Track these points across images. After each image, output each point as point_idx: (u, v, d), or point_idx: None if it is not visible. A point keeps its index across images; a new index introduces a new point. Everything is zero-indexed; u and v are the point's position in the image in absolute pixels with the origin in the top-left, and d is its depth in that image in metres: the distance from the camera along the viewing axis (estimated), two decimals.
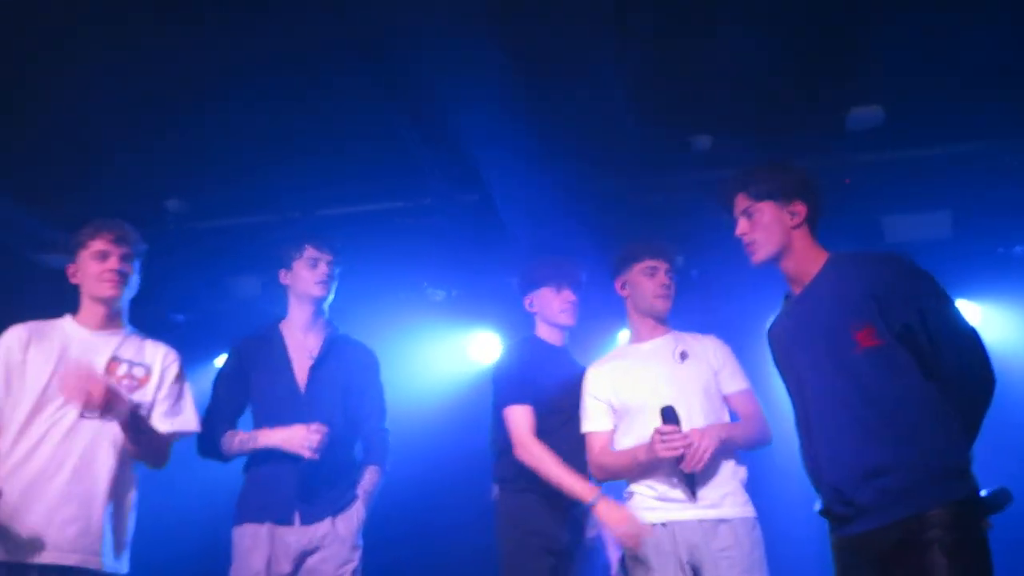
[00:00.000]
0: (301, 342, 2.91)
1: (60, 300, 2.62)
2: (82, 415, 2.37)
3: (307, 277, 2.88)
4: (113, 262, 2.52)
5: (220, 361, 3.08)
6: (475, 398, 3.98)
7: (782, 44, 3.08)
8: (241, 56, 3.08)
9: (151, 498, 2.61)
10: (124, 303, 2.61)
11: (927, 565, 1.81)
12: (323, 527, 2.71)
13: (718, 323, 3.04)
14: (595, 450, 2.64)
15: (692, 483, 2.43)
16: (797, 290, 2.20)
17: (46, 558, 2.30)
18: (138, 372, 2.56)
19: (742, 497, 2.52)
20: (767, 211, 2.17)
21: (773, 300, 2.33)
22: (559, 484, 2.58)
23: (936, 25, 2.99)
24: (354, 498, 2.79)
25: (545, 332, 2.91)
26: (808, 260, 2.16)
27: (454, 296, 4.49)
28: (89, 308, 2.57)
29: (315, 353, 2.89)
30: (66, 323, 2.56)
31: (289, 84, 3.28)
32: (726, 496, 2.49)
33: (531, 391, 2.71)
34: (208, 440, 2.77)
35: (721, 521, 2.46)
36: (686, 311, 2.89)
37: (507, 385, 2.74)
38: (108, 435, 2.45)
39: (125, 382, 2.52)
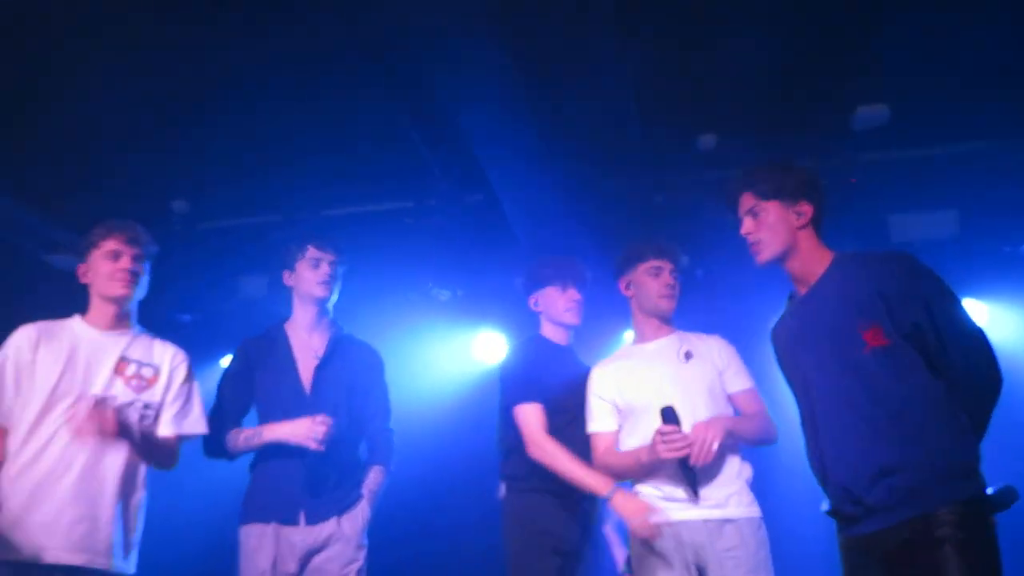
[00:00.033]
0: (306, 342, 2.92)
1: (67, 300, 2.63)
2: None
3: (310, 278, 2.89)
4: (125, 262, 2.54)
5: (226, 361, 3.09)
6: (480, 398, 3.99)
7: (787, 43, 3.08)
8: (246, 58, 3.09)
9: (158, 498, 2.61)
10: (134, 303, 2.62)
11: (937, 564, 1.81)
12: (328, 527, 2.72)
13: (723, 323, 3.03)
14: (599, 451, 2.64)
15: (694, 483, 2.42)
16: (802, 290, 2.19)
17: (54, 557, 2.30)
18: (147, 372, 2.57)
19: (747, 497, 2.51)
20: (773, 210, 2.17)
21: (778, 300, 2.33)
22: (574, 479, 2.57)
23: (941, 24, 2.98)
24: (359, 497, 2.80)
25: (550, 331, 2.91)
26: (813, 260, 2.16)
27: (459, 296, 4.49)
28: (99, 308, 2.58)
29: (320, 353, 2.90)
30: (75, 323, 2.57)
31: (294, 85, 3.29)
32: (731, 496, 2.48)
33: (539, 390, 2.71)
34: (214, 440, 2.77)
35: (726, 521, 2.45)
36: (691, 311, 2.89)
37: (516, 384, 2.74)
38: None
39: (134, 382, 2.53)
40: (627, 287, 2.76)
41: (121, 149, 3.53)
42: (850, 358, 2.00)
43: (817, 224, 2.19)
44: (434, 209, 4.07)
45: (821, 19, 3.00)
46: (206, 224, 4.24)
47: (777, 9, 2.95)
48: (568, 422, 2.70)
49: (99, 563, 2.36)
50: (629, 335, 2.89)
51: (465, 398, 4.41)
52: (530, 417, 2.66)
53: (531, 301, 2.93)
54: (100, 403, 2.35)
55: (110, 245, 2.54)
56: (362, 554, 2.76)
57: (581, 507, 2.71)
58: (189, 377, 2.65)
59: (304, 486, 2.72)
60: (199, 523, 3.87)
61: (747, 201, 2.21)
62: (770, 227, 2.17)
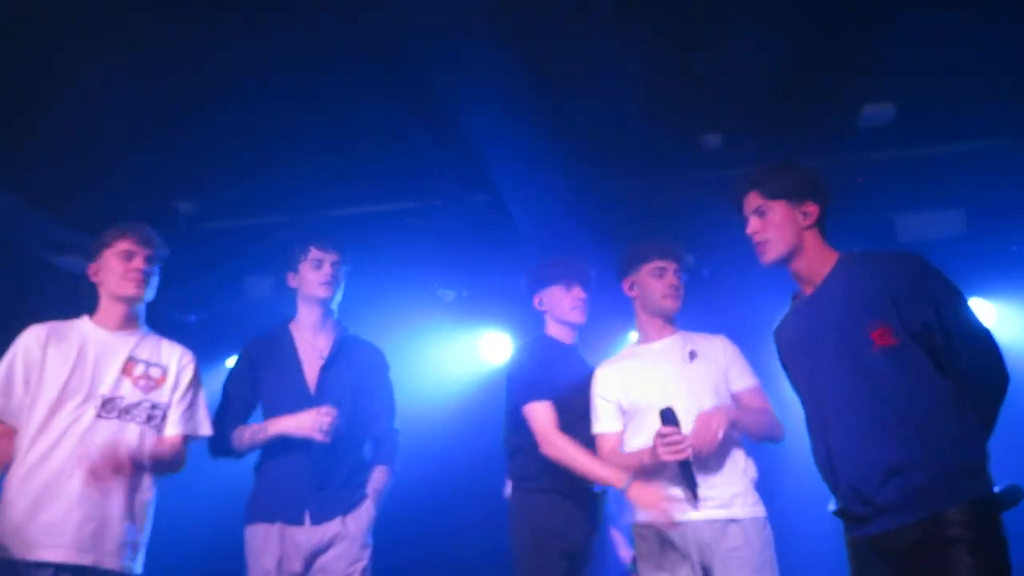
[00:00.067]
0: (311, 343, 2.92)
1: (74, 301, 2.65)
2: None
3: (312, 279, 2.90)
4: (138, 262, 2.56)
5: (231, 362, 3.09)
6: (485, 398, 3.99)
7: (792, 42, 3.07)
8: (250, 58, 3.10)
9: (165, 498, 2.62)
10: (143, 305, 2.64)
11: (948, 565, 1.81)
12: (333, 526, 2.72)
13: (728, 323, 3.03)
14: (604, 452, 2.63)
15: (693, 485, 2.40)
16: (807, 290, 2.19)
17: (62, 556, 2.31)
18: (154, 372, 2.58)
19: (752, 497, 2.51)
20: (779, 210, 2.17)
21: (782, 300, 2.32)
22: (588, 474, 2.56)
23: (947, 22, 2.97)
24: (364, 497, 2.80)
25: (555, 330, 2.90)
26: (819, 260, 2.16)
27: (464, 296, 4.50)
28: (108, 308, 2.59)
29: (325, 354, 2.90)
30: (83, 323, 2.59)
31: (298, 86, 3.30)
32: (736, 496, 2.48)
33: (548, 388, 2.70)
34: (219, 441, 2.78)
35: (731, 521, 2.45)
36: (697, 311, 2.88)
37: (524, 383, 2.73)
38: (126, 436, 2.47)
39: (141, 382, 2.54)
40: (631, 287, 2.76)
41: (126, 150, 3.54)
42: (858, 358, 2.00)
43: (822, 225, 2.19)
44: (438, 209, 4.07)
45: (825, 18, 2.99)
46: (211, 224, 4.25)
47: (781, 8, 2.94)
48: (575, 421, 2.70)
49: (107, 563, 2.37)
50: (634, 335, 2.89)
51: (470, 398, 4.41)
52: (541, 415, 2.65)
53: (536, 301, 2.92)
54: (113, 448, 2.37)
55: (123, 245, 2.56)
56: (367, 553, 2.76)
57: (588, 507, 2.70)
58: (196, 378, 2.67)
59: (309, 486, 2.73)
60: (205, 523, 3.87)
61: (753, 200, 2.21)
62: (776, 227, 2.16)
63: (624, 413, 2.64)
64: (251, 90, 3.29)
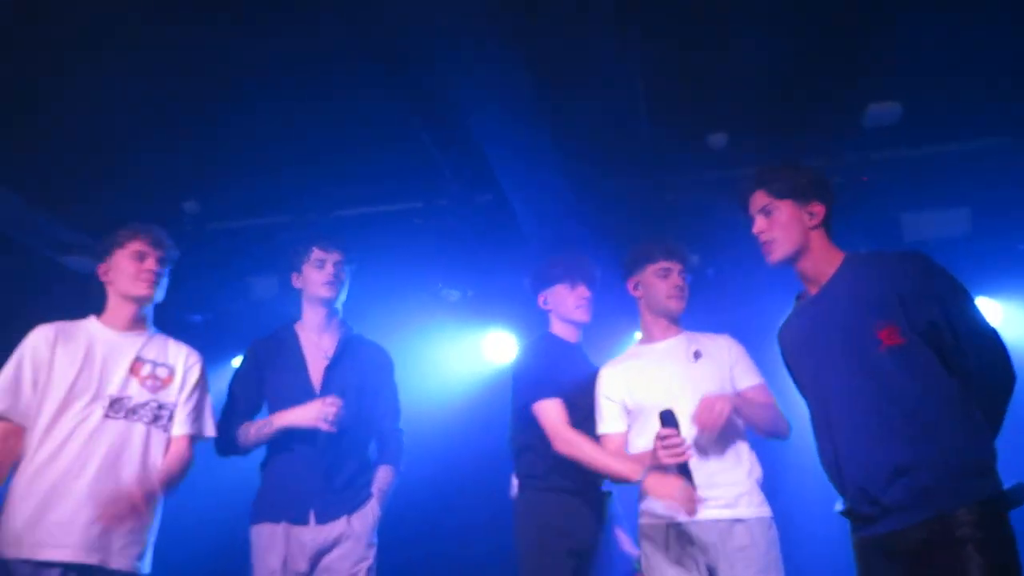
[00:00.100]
0: (316, 343, 2.93)
1: (81, 302, 2.66)
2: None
3: (315, 278, 2.90)
4: (151, 263, 2.58)
5: (237, 362, 3.10)
6: (490, 398, 3.99)
7: (797, 41, 3.06)
8: (256, 58, 3.10)
9: (171, 498, 2.62)
10: (151, 306, 2.65)
11: (958, 565, 1.81)
12: (338, 526, 2.73)
13: (734, 323, 3.02)
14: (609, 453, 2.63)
15: (688, 474, 2.41)
16: (813, 290, 2.19)
17: (69, 556, 2.32)
18: (161, 372, 2.59)
19: (758, 497, 2.51)
20: (786, 210, 2.17)
21: (788, 300, 2.32)
22: (603, 468, 2.54)
23: (951, 21, 2.96)
24: (369, 496, 2.81)
25: (560, 329, 2.90)
26: (825, 260, 2.16)
27: (469, 296, 4.49)
28: (117, 308, 2.60)
29: (330, 354, 2.91)
30: (91, 323, 2.60)
31: (305, 86, 3.30)
32: (742, 496, 2.47)
33: (556, 386, 2.69)
34: (224, 439, 2.79)
35: (737, 521, 2.45)
36: (703, 311, 2.88)
37: (533, 381, 2.72)
38: (133, 436, 2.48)
39: (149, 382, 2.55)
40: (635, 287, 2.76)
41: (130, 150, 3.55)
42: (865, 357, 1.99)
43: (828, 225, 2.19)
44: (444, 209, 4.07)
45: (829, 17, 2.98)
46: (216, 225, 4.26)
47: (785, 8, 2.94)
48: (581, 420, 2.69)
49: (114, 563, 2.38)
50: (638, 335, 2.88)
51: (475, 398, 4.40)
52: (552, 413, 2.64)
53: (540, 300, 2.92)
54: (129, 499, 2.39)
55: (136, 246, 2.58)
56: (372, 552, 2.77)
57: (595, 506, 2.70)
58: (203, 378, 2.68)
59: (314, 486, 2.73)
60: (211, 523, 3.88)
61: (760, 199, 2.21)
62: (783, 226, 2.16)
63: (629, 413, 2.64)
64: (256, 91, 3.30)
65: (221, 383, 2.97)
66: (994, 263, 3.96)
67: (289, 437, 2.79)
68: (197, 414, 2.63)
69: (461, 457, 4.28)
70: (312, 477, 2.74)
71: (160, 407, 2.55)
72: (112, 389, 2.49)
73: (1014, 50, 3.11)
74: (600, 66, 3.13)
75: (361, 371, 2.93)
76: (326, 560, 2.71)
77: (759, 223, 2.21)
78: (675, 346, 2.68)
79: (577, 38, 2.98)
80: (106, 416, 2.46)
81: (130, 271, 2.56)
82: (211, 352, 2.95)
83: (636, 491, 2.62)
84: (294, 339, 2.95)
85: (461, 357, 4.69)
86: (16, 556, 2.30)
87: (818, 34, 3.04)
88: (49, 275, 4.19)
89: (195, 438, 2.62)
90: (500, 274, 4.18)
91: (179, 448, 2.57)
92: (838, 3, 2.95)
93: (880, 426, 1.96)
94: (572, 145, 3.50)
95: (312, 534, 2.70)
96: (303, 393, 2.83)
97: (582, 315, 2.85)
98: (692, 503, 2.30)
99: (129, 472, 2.45)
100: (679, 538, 2.46)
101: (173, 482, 2.53)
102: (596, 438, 2.67)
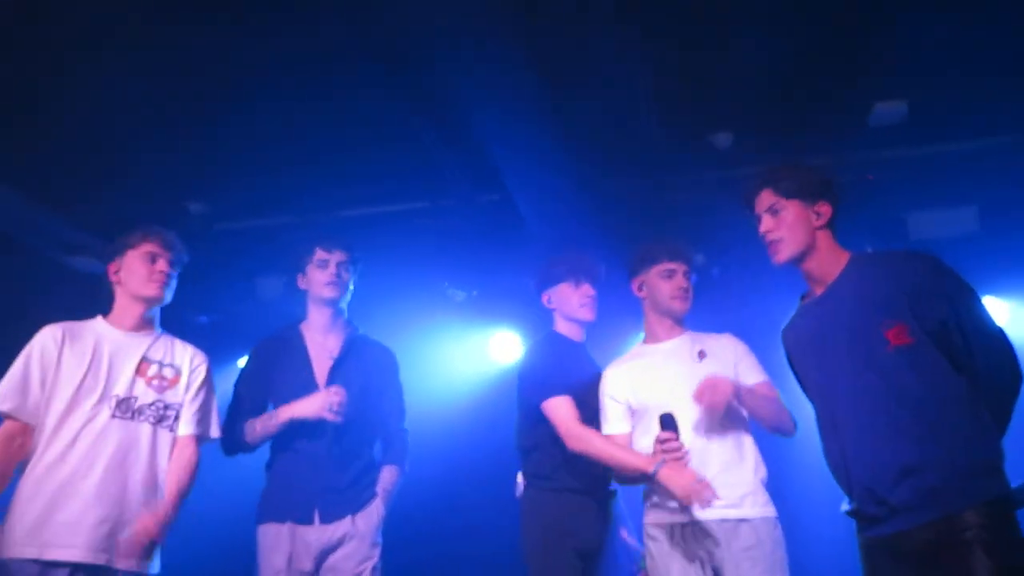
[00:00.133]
0: (321, 343, 2.94)
1: (87, 302, 2.67)
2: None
3: (319, 279, 2.91)
4: (162, 264, 2.60)
5: (243, 362, 3.11)
6: (495, 398, 3.99)
7: (802, 40, 3.06)
8: (262, 59, 3.11)
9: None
10: (158, 308, 2.66)
11: (966, 567, 1.80)
12: (343, 526, 2.73)
13: (739, 322, 3.01)
14: None
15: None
16: (819, 290, 2.18)
17: (77, 556, 2.32)
18: (168, 373, 2.60)
19: (763, 497, 2.50)
20: (793, 209, 2.16)
21: (792, 300, 2.31)
22: (617, 462, 2.53)
23: (957, 19, 2.95)
24: (373, 496, 2.81)
25: (565, 328, 2.89)
26: (830, 261, 2.15)
27: (474, 296, 4.49)
28: (126, 309, 2.61)
29: (335, 354, 2.91)
30: (98, 324, 2.61)
31: (309, 86, 3.31)
32: (747, 495, 2.46)
33: (564, 384, 2.68)
34: (231, 439, 2.80)
35: (742, 521, 2.44)
36: (707, 311, 2.87)
37: (541, 380, 2.71)
38: (140, 436, 2.49)
39: (155, 383, 2.56)
40: (640, 288, 2.75)
41: (136, 151, 3.56)
42: (872, 357, 1.99)
43: (834, 225, 2.19)
44: (449, 209, 4.08)
45: (834, 15, 2.97)
46: (221, 225, 4.27)
47: (790, 6, 2.93)
48: (587, 419, 2.68)
49: (121, 563, 2.38)
50: (643, 336, 2.87)
51: (480, 398, 4.41)
52: (562, 410, 2.63)
53: (544, 298, 2.91)
54: (145, 531, 2.40)
55: (148, 247, 2.60)
56: (377, 552, 2.77)
57: (601, 506, 2.70)
58: (208, 379, 2.68)
59: (318, 486, 2.74)
60: (217, 523, 3.89)
61: (767, 199, 2.20)
62: (789, 226, 2.16)
63: (633, 413, 2.63)
64: (260, 91, 3.30)
65: (227, 384, 2.97)
66: (1001, 262, 3.94)
67: (294, 437, 2.79)
68: (203, 415, 2.64)
69: (466, 457, 4.28)
70: (316, 477, 2.74)
71: (166, 407, 2.56)
72: (119, 389, 2.50)
73: (1020, 48, 3.09)
74: (603, 66, 3.12)
75: (366, 371, 2.93)
76: (331, 560, 2.71)
77: (766, 222, 2.20)
78: (679, 346, 2.68)
79: (580, 38, 2.98)
80: (113, 416, 2.46)
81: (142, 272, 2.58)
82: (217, 353, 2.95)
83: (639, 491, 2.62)
84: (299, 339, 2.95)
85: (466, 357, 4.69)
86: (24, 556, 2.30)
87: (822, 33, 3.03)
88: (54, 276, 4.21)
89: (201, 438, 2.63)
90: (505, 274, 4.18)
91: (186, 452, 2.57)
92: (842, 2, 2.94)
93: (887, 426, 1.96)
94: (576, 145, 3.50)
95: (317, 534, 2.71)
96: (308, 393, 2.83)
97: (586, 313, 2.84)
98: (706, 495, 2.28)
99: (136, 472, 2.46)
100: (684, 538, 2.45)
101: (186, 491, 2.54)
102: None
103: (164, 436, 2.55)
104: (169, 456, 2.55)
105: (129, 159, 3.61)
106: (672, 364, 2.63)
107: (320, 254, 2.91)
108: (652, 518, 2.54)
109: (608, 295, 2.91)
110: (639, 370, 2.66)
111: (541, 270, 2.92)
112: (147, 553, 2.43)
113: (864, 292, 2.06)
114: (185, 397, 2.61)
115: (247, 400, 2.89)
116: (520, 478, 2.80)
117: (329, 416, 2.68)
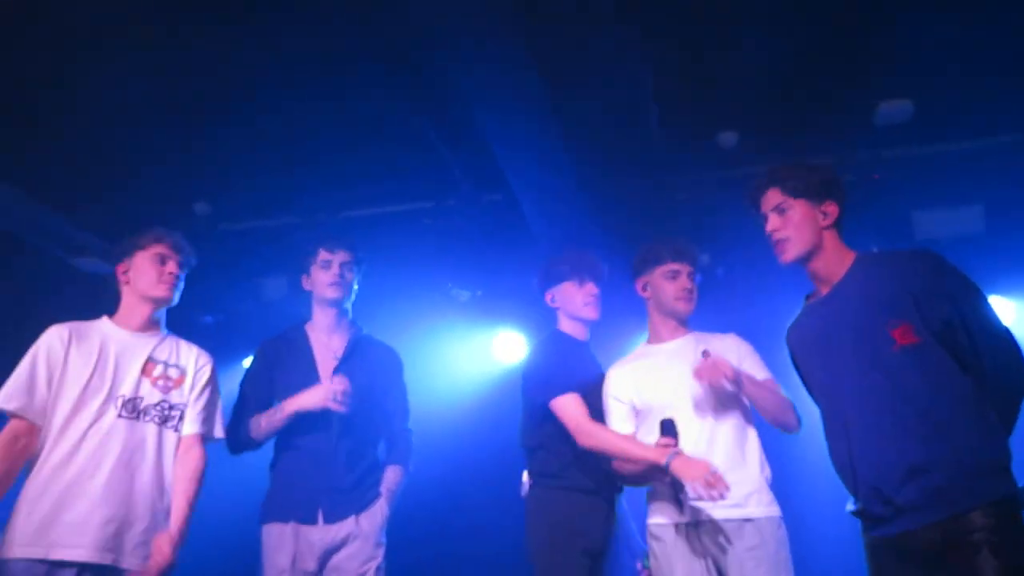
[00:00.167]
0: (326, 343, 2.94)
1: (93, 303, 2.68)
2: None
3: (322, 280, 2.92)
4: (172, 266, 2.62)
5: (248, 362, 3.12)
6: (499, 398, 3.99)
7: (807, 39, 3.05)
8: (267, 60, 3.12)
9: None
10: (164, 310, 2.67)
11: (972, 567, 1.79)
12: (347, 525, 2.73)
13: (744, 322, 3.01)
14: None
15: (684, 496, 2.40)
16: (824, 290, 2.17)
17: (84, 556, 2.33)
18: (173, 373, 2.61)
19: (767, 496, 2.49)
20: (800, 209, 2.16)
21: (796, 301, 2.30)
22: (629, 455, 2.50)
23: (963, 17, 2.94)
24: (377, 496, 2.82)
25: (569, 327, 2.88)
26: (837, 261, 2.15)
27: (478, 296, 4.49)
28: (133, 309, 2.62)
29: (339, 354, 2.92)
30: (104, 324, 2.62)
31: (313, 87, 3.31)
32: (751, 495, 2.46)
33: (572, 382, 2.67)
34: (236, 436, 2.81)
35: (746, 520, 2.43)
36: (712, 310, 2.86)
37: (548, 378, 2.70)
38: (146, 436, 2.50)
39: (160, 383, 2.57)
40: (644, 288, 2.74)
41: (142, 152, 3.57)
42: (878, 357, 1.98)
43: (840, 225, 2.18)
44: (453, 210, 4.08)
45: (838, 14, 2.96)
46: (227, 226, 4.28)
47: (795, 6, 2.92)
48: (592, 418, 2.68)
49: (128, 563, 2.39)
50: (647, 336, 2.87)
51: (485, 398, 4.40)
52: (572, 408, 2.62)
53: (547, 297, 2.90)
54: (161, 555, 2.40)
55: (158, 249, 2.62)
56: (381, 552, 2.77)
57: (608, 506, 2.69)
58: (212, 380, 2.69)
59: (322, 485, 2.74)
60: (221, 522, 3.90)
61: (774, 198, 2.19)
62: (796, 225, 2.15)
63: (637, 414, 2.63)
64: (265, 92, 3.31)
65: (232, 384, 2.98)
66: (1007, 261, 3.92)
67: (298, 436, 2.80)
68: (207, 414, 2.64)
69: (470, 457, 4.28)
70: (320, 477, 2.75)
71: (171, 408, 2.57)
72: (125, 389, 2.51)
73: None
74: (605, 65, 3.12)
75: (370, 371, 2.93)
76: (335, 559, 2.72)
77: (772, 221, 2.19)
78: (683, 346, 2.67)
79: (582, 37, 2.97)
80: (119, 416, 2.47)
81: (152, 273, 2.60)
82: (222, 353, 2.96)
83: (644, 490, 2.61)
84: (304, 339, 2.96)
85: (471, 357, 4.69)
86: (31, 556, 2.31)
87: (826, 32, 3.02)
88: (60, 276, 4.22)
89: (205, 438, 2.63)
90: (509, 274, 4.18)
91: (192, 455, 2.56)
92: (845, 1, 2.93)
93: (894, 425, 1.95)
94: (581, 145, 3.50)
95: (320, 533, 2.71)
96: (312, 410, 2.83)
97: (591, 312, 2.83)
98: (719, 486, 2.26)
99: (142, 472, 2.46)
100: (688, 538, 2.45)
101: (195, 503, 2.54)
102: None
103: (169, 436, 2.55)
104: (175, 456, 2.55)
105: (134, 160, 3.62)
106: (676, 364, 2.62)
107: (323, 255, 2.92)
108: (656, 518, 2.53)
109: (611, 295, 2.90)
110: (643, 370, 2.66)
111: (544, 269, 2.91)
112: (148, 538, 2.43)
113: (870, 292, 2.05)
114: (189, 397, 2.61)
115: (252, 399, 2.89)
116: (525, 477, 2.79)
117: (333, 406, 2.68)
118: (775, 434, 2.62)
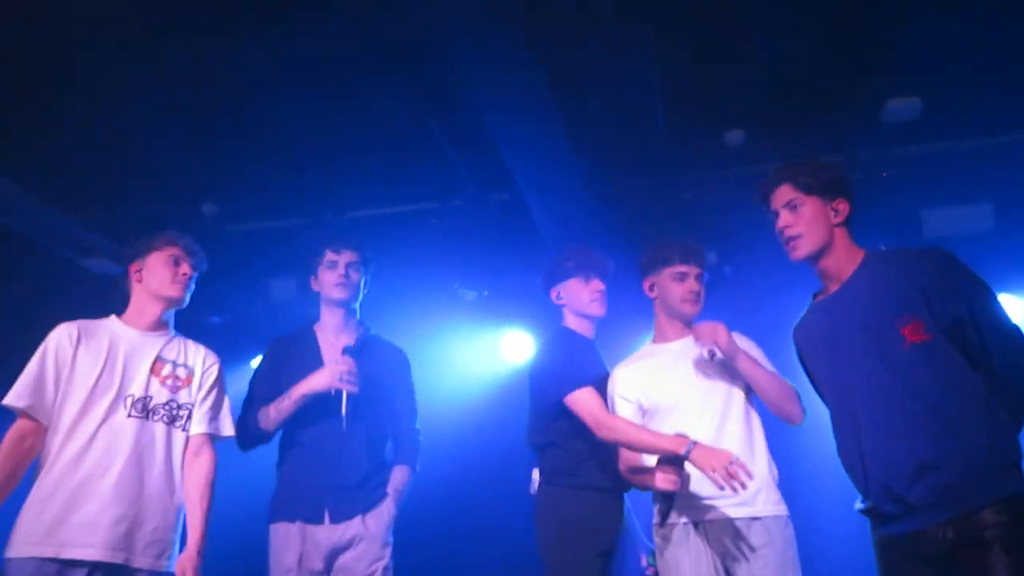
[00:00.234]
0: (333, 343, 2.95)
1: (101, 303, 2.69)
2: None
3: (328, 280, 2.93)
4: (186, 268, 2.65)
5: (256, 362, 3.13)
6: (507, 398, 3.99)
7: (815, 37, 3.04)
8: (273, 61, 3.13)
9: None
10: (173, 311, 2.69)
11: (985, 566, 1.78)
12: (353, 526, 2.74)
13: (751, 320, 3.00)
14: (623, 454, 2.61)
15: (668, 510, 2.40)
16: (833, 288, 2.16)
17: (95, 555, 2.34)
18: (181, 373, 2.62)
19: (775, 495, 2.48)
20: (812, 205, 2.15)
21: (806, 298, 2.29)
22: (649, 446, 2.48)
23: (972, 15, 2.92)
24: (384, 496, 2.82)
25: (575, 323, 2.86)
26: (846, 259, 2.14)
27: (485, 296, 4.49)
28: (143, 308, 2.64)
29: None
30: (112, 323, 2.63)
31: (321, 88, 3.32)
32: (758, 494, 2.45)
33: (584, 376, 2.64)
34: (246, 433, 2.82)
35: (754, 519, 2.42)
36: (719, 309, 2.85)
37: (560, 375, 2.67)
38: (155, 435, 2.51)
39: (169, 382, 2.58)
40: (651, 289, 2.73)
41: (150, 153, 3.58)
42: (888, 354, 1.97)
43: (850, 223, 2.17)
44: (460, 210, 4.08)
45: (846, 12, 2.95)
46: (234, 227, 4.29)
47: (803, 3, 2.91)
48: None
49: (139, 562, 2.40)
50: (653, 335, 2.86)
51: (492, 398, 4.40)
52: (588, 402, 2.59)
53: (553, 294, 2.87)
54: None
55: (172, 250, 2.65)
56: (388, 552, 2.77)
57: (617, 504, 2.68)
58: (219, 380, 2.70)
59: (328, 485, 2.75)
60: (231, 522, 3.91)
61: (786, 194, 2.17)
62: (808, 222, 2.14)
63: (644, 413, 2.62)
64: (272, 93, 3.32)
65: (240, 384, 2.99)
66: (1017, 259, 3.90)
67: (305, 435, 2.81)
68: (214, 413, 2.65)
69: (478, 457, 4.28)
70: (326, 476, 2.75)
71: (179, 407, 2.58)
72: (134, 389, 2.52)
73: None
74: (612, 65, 3.11)
75: (378, 371, 2.93)
76: (342, 559, 2.72)
77: (784, 218, 2.17)
78: (689, 345, 2.66)
79: (588, 37, 2.97)
80: (129, 416, 2.48)
81: (165, 274, 2.63)
82: (229, 354, 2.97)
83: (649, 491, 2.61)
84: (312, 339, 2.97)
85: (478, 357, 4.69)
86: (42, 555, 2.32)
87: (835, 29, 3.01)
88: (70, 277, 4.24)
89: (213, 437, 2.64)
90: (516, 274, 4.18)
91: (202, 458, 2.57)
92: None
93: (904, 423, 1.94)
94: (588, 144, 3.50)
95: (327, 533, 2.71)
96: (320, 393, 2.84)
97: (597, 309, 2.82)
98: (737, 477, 2.23)
99: (152, 472, 2.47)
100: (695, 536, 2.44)
101: (211, 502, 2.56)
102: None
103: (178, 436, 2.56)
104: (184, 457, 2.56)
105: (142, 161, 3.64)
106: (682, 364, 2.62)
107: (329, 255, 2.93)
108: (661, 517, 2.53)
109: (618, 295, 2.89)
110: (649, 370, 2.65)
111: (549, 266, 2.90)
112: (158, 537, 2.44)
113: (879, 289, 2.04)
114: (197, 396, 2.62)
115: (261, 397, 2.90)
116: (536, 474, 2.78)
117: (340, 385, 2.69)
118: (782, 434, 2.61)
